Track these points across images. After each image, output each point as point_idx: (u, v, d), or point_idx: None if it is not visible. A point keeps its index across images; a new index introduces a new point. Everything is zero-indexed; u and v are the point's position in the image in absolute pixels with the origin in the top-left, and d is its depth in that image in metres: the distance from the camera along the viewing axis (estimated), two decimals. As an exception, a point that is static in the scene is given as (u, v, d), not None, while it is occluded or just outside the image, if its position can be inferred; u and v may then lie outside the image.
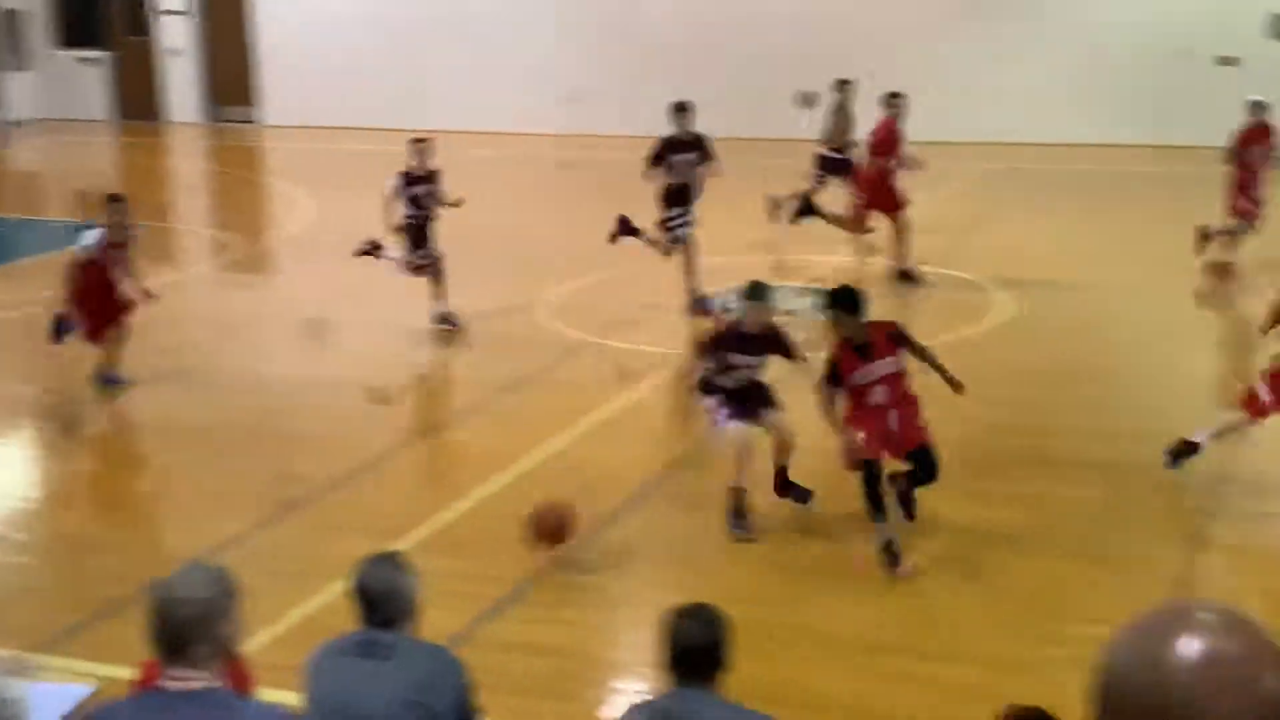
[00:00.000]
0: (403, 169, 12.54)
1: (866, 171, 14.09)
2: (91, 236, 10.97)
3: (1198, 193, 15.77)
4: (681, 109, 12.73)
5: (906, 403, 7.97)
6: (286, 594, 7.45)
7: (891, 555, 7.60)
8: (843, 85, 15.27)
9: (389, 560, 4.71)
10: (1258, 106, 14.13)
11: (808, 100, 19.82)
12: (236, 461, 9.75)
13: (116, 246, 10.96)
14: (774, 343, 8.23)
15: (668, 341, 12.06)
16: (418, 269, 12.61)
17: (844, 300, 7.91)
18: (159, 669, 3.42)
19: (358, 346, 12.81)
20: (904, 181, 13.94)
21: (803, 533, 8.25)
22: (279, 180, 21.50)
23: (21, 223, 19.34)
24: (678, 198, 12.80)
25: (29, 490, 9.69)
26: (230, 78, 26.08)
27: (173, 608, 3.38)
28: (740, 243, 15.47)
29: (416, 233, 12.60)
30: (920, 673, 6.74)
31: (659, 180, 12.77)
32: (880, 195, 13.92)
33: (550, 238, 16.40)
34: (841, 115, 15.20)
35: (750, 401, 8.25)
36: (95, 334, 10.99)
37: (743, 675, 4.64)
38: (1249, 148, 13.99)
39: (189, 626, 3.36)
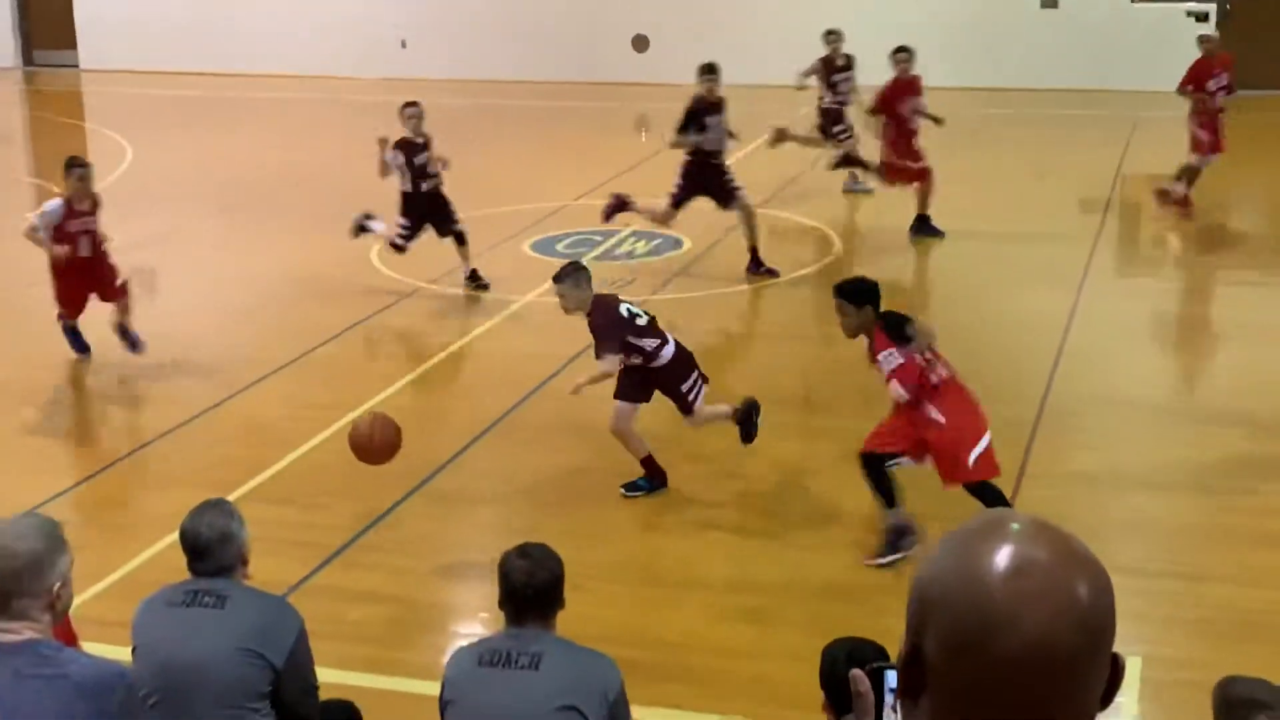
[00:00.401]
0: (399, 138, 11.81)
1: (887, 130, 13.56)
2: (51, 206, 10.31)
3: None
4: (711, 70, 12.21)
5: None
6: (114, 548, 7.33)
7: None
8: (830, 35, 15.10)
9: (217, 507, 4.66)
10: (1208, 39, 14.32)
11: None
12: (62, 417, 9.53)
13: (81, 215, 10.30)
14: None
15: (502, 287, 12.07)
16: (445, 236, 11.94)
17: (850, 292, 7.23)
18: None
19: (180, 298, 12.57)
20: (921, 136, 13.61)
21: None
22: (99, 126, 20.85)
23: None
24: (713, 162, 12.28)
25: None
26: (47, 20, 25.16)
27: (-4, 560, 3.31)
28: (580, 189, 15.50)
29: (431, 201, 11.87)
30: (751, 607, 6.89)
31: (688, 144, 12.25)
32: (906, 152, 13.44)
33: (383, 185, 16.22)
34: (830, 67, 14.99)
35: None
36: (72, 303, 10.37)
37: (578, 615, 4.71)
38: (1206, 81, 13.95)
39: (12, 579, 3.29)
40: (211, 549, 4.54)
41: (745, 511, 7.99)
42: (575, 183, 15.95)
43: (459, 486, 8.38)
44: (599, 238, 13.64)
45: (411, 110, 11.94)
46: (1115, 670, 1.58)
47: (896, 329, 7.07)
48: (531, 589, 4.28)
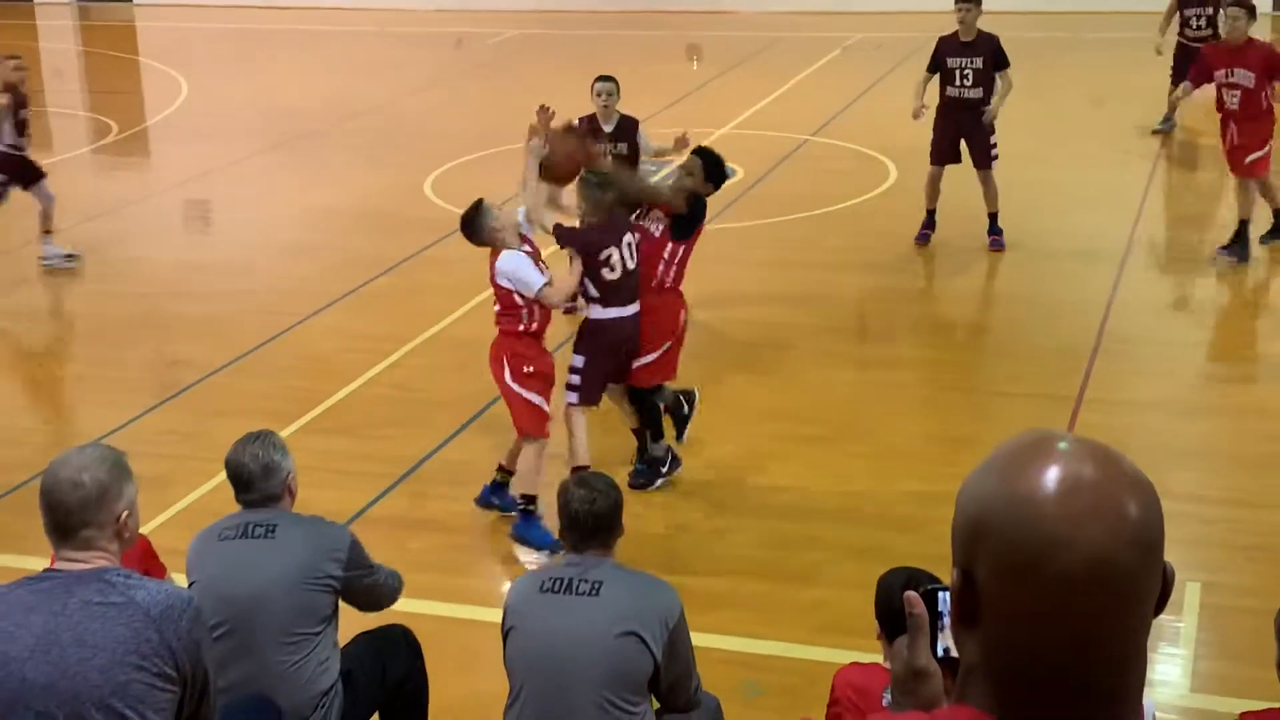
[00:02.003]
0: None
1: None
2: None
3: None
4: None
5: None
6: (178, 478, 7.45)
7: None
8: None
9: (260, 439, 4.71)
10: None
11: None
12: (122, 350, 9.64)
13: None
14: None
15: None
16: None
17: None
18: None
19: (235, 231, 12.67)
20: None
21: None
22: (151, 60, 20.92)
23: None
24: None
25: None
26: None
27: (62, 490, 3.37)
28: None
29: None
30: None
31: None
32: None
33: (435, 119, 16.25)
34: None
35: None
36: None
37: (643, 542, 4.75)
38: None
39: (79, 509, 3.36)
40: (255, 480, 4.62)
41: (799, 441, 7.99)
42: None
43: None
44: (651, 167, 13.57)
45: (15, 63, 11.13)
46: (1165, 581, 1.57)
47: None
48: (592, 517, 4.32)
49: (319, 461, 7.29)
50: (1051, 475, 1.54)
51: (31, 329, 10.49)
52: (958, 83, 10.89)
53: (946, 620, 1.73)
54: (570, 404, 7.15)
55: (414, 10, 23.13)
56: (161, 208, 13.17)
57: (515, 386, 6.83)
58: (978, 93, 10.84)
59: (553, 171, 7.38)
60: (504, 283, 6.79)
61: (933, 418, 8.38)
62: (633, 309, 7.14)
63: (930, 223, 11.22)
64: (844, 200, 12.45)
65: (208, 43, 21.74)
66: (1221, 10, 12.21)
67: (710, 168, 7.67)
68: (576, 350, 7.20)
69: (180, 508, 7.17)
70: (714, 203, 8.18)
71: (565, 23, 22.11)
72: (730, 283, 10.28)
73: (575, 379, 7.14)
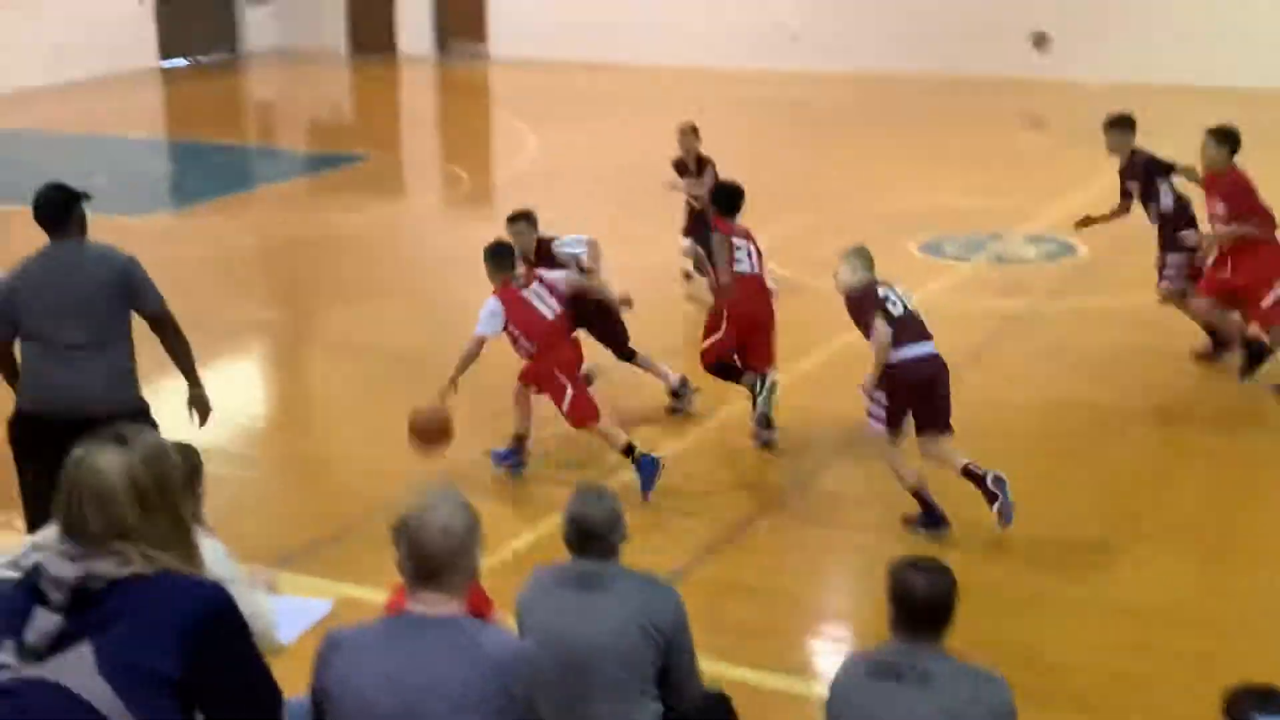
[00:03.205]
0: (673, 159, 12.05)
1: None
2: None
3: None
4: None
5: None
6: (507, 523, 7.64)
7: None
8: None
9: (602, 491, 4.79)
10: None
11: (1040, 41, 19.25)
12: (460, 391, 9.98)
13: None
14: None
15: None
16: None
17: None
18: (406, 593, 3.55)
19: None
20: None
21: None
22: (505, 113, 21.82)
23: (258, 150, 20.07)
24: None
25: (260, 409, 10.08)
26: (461, 13, 26.53)
27: (430, 536, 3.49)
28: (969, 188, 15.18)
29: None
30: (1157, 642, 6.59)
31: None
32: None
33: (766, 176, 16.36)
34: None
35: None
36: None
37: (970, 632, 4.60)
38: None
39: (444, 556, 3.48)
40: (599, 533, 4.68)
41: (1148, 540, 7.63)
42: (964, 181, 15.65)
43: (839, 489, 8.34)
44: (989, 240, 13.33)
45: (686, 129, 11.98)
46: None
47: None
48: (920, 604, 4.19)
49: (642, 518, 7.36)
50: None
51: (367, 361, 10.96)
52: None
53: None
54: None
55: (749, 70, 23.43)
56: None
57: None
58: None
59: None
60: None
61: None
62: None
63: None
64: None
65: (555, 97, 22.51)
66: None
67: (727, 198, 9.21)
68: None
69: (504, 556, 7.34)
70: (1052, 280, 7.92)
71: (900, 86, 21.98)
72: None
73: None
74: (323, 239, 14.07)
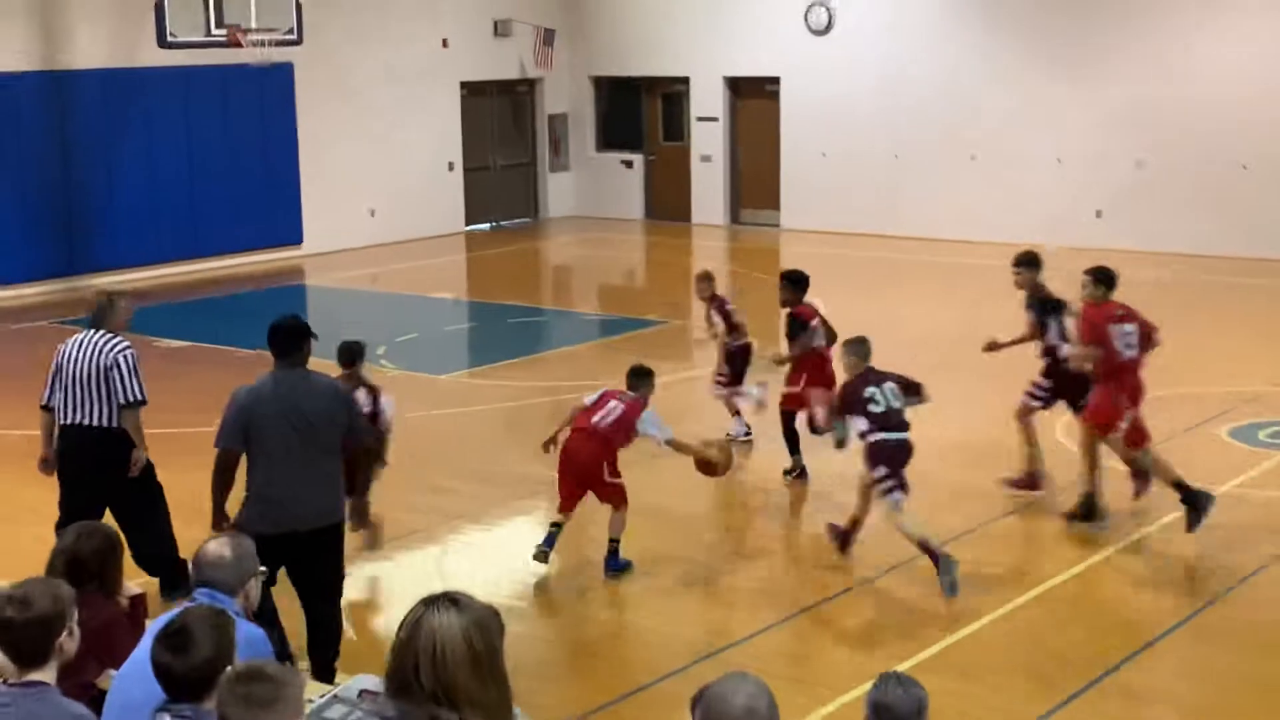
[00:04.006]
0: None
1: None
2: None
3: None
4: None
5: None
6: (791, 701, 7.42)
7: None
8: None
9: (911, 681, 4.57)
10: None
11: None
12: (742, 561, 9.85)
13: None
14: None
15: (1200, 474, 11.30)
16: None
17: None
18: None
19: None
20: None
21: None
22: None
23: (554, 313, 20.62)
24: None
25: (551, 569, 10.11)
26: (755, 184, 27.00)
27: (733, 714, 3.37)
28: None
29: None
30: None
31: None
32: None
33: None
34: None
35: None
36: None
37: None
38: None
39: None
40: None
41: None
42: (1277, 367, 14.89)
43: (1148, 683, 7.83)
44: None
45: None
46: None
47: None
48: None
49: (935, 704, 7.03)
50: None
51: (656, 523, 10.93)
52: None
53: None
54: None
55: (1041, 246, 22.96)
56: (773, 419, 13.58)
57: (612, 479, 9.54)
58: None
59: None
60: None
61: None
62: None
63: None
64: None
65: (844, 267, 22.51)
66: None
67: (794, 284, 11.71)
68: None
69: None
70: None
71: (1212, 268, 21.17)
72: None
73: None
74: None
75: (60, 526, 8.34)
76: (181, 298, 15.91)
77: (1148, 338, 10.26)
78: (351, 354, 9.54)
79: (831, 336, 11.46)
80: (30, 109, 20.47)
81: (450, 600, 3.01)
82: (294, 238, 23.70)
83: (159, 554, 8.78)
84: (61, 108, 20.79)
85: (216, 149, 22.48)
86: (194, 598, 4.94)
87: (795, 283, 11.75)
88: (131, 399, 8.53)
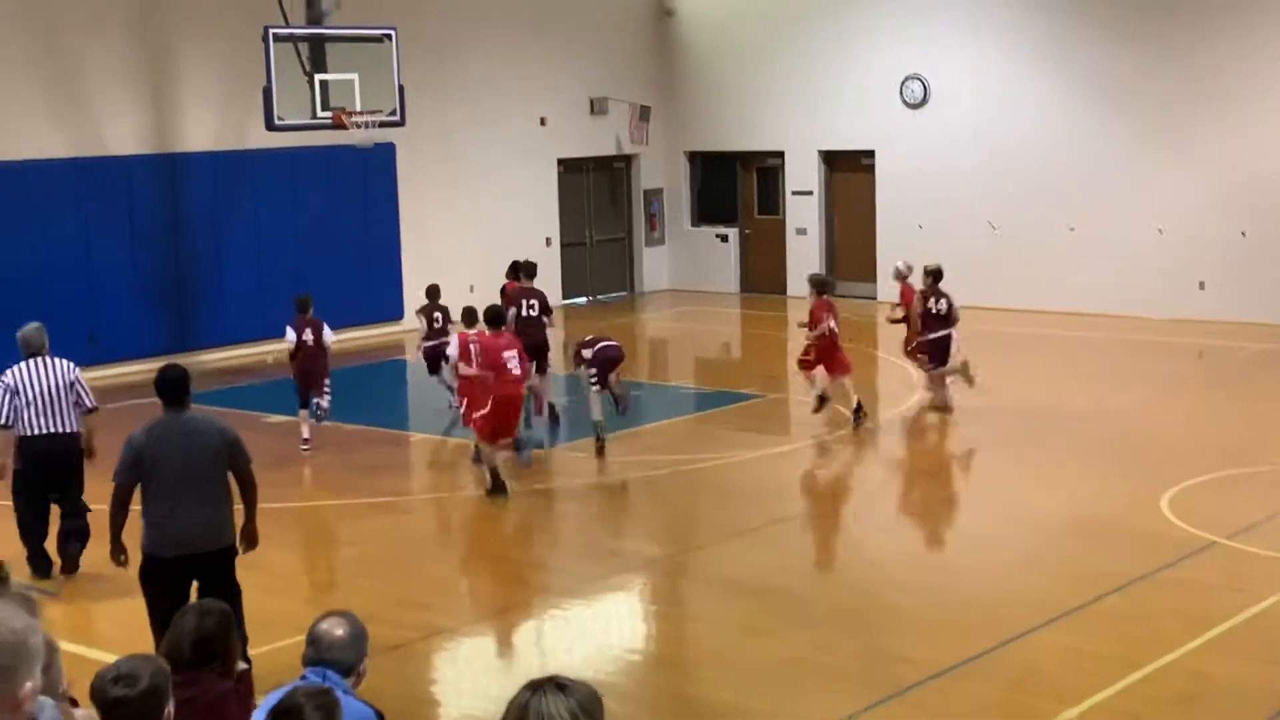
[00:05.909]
0: None
1: None
2: None
3: None
4: None
5: None
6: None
7: None
8: None
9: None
10: None
11: None
12: (841, 636, 9.80)
13: None
14: None
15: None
16: None
17: None
18: None
19: (968, 533, 12.69)
20: None
21: None
22: (891, 353, 21.83)
23: (649, 386, 20.69)
24: None
25: (640, 644, 10.13)
26: (849, 255, 26.99)
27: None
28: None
29: None
30: None
31: None
32: None
33: (1174, 432, 15.67)
34: None
35: None
36: None
37: None
38: None
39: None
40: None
41: None
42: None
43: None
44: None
45: None
46: None
47: None
48: None
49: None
50: None
51: (743, 602, 10.90)
52: None
53: None
54: None
55: (1148, 318, 22.70)
56: (885, 497, 13.51)
57: None
58: None
59: None
60: None
61: None
62: None
63: None
64: None
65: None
66: None
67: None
68: None
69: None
70: None
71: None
72: None
73: None
74: (708, 476, 14.27)
75: (25, 523, 10.82)
76: (289, 373, 16.20)
77: None
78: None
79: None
80: (143, 189, 21.06)
81: (557, 686, 3.07)
82: (395, 313, 24.06)
83: (84, 526, 10.91)
84: (173, 188, 21.37)
85: (321, 227, 22.96)
86: (304, 675, 5.06)
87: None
88: (93, 405, 10.93)
